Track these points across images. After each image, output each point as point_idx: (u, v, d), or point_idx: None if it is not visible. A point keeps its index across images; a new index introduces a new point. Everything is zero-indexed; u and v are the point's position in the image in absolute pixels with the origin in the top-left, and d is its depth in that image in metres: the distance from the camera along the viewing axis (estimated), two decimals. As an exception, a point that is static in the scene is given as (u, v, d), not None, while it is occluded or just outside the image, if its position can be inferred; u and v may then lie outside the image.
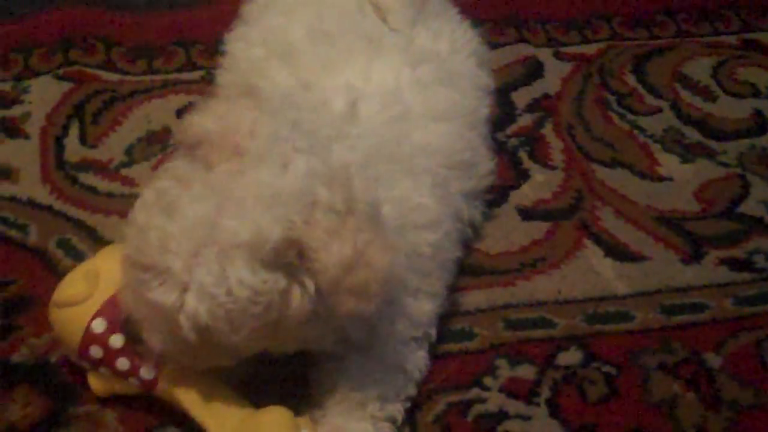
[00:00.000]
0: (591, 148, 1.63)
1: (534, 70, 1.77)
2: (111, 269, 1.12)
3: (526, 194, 1.54)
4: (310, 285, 1.03)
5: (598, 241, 1.47)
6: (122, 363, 1.13)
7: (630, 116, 1.70)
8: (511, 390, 1.27)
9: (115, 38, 1.74)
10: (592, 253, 1.46)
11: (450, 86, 1.33)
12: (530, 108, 1.69)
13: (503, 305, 1.37)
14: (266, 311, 1.02)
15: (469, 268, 1.40)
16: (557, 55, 1.81)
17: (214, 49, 1.65)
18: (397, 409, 1.19)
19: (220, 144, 1.05)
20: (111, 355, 1.13)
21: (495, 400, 1.26)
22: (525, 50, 1.81)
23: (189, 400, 1.11)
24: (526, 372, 1.29)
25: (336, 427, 1.15)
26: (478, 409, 1.25)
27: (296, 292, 1.03)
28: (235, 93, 1.10)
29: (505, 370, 1.29)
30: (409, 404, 1.21)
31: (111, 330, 1.12)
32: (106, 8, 1.80)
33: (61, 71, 1.66)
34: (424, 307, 1.22)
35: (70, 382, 1.22)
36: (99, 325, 1.12)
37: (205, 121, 1.06)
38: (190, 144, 1.07)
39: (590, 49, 1.84)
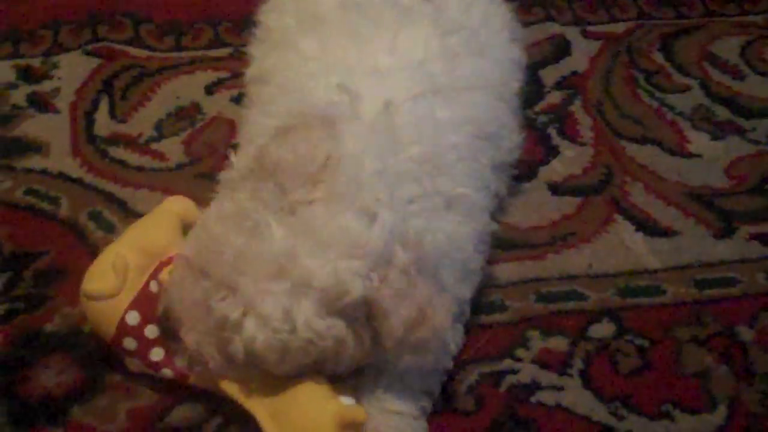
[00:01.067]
0: (620, 125, 1.62)
1: (562, 49, 1.77)
2: (138, 259, 1.13)
3: (555, 170, 1.54)
4: (367, 339, 1.05)
5: (628, 216, 1.47)
6: (156, 353, 1.13)
7: (658, 94, 1.70)
8: (544, 361, 1.27)
9: (143, 15, 1.75)
10: (623, 228, 1.45)
11: (479, 56, 1.33)
12: (559, 85, 1.69)
13: (534, 278, 1.37)
14: (321, 354, 1.04)
15: (500, 242, 1.40)
16: (584, 34, 1.81)
17: (241, 26, 1.66)
18: (436, 382, 1.19)
19: (295, 173, 1.05)
20: (145, 345, 1.13)
21: (527, 371, 1.26)
22: (552, 28, 1.81)
23: (226, 385, 1.11)
24: (559, 344, 1.29)
25: (382, 406, 1.15)
26: (510, 379, 1.25)
27: (351, 342, 1.05)
28: (311, 121, 1.09)
29: (537, 342, 1.29)
30: (445, 377, 1.21)
31: (145, 322, 1.12)
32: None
33: (89, 47, 1.67)
34: (463, 284, 1.21)
35: (104, 351, 1.21)
36: (133, 318, 1.13)
37: (281, 150, 1.06)
38: (266, 170, 1.07)
39: (618, 28, 1.84)
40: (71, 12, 1.73)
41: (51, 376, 1.20)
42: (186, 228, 1.17)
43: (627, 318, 1.33)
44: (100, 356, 1.22)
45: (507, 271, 1.37)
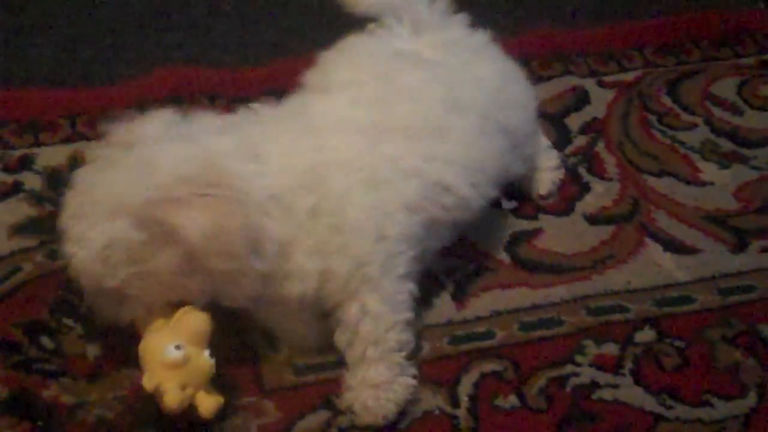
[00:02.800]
0: (640, 162, 1.87)
1: (582, 98, 2.02)
2: None
3: (589, 203, 1.78)
4: (177, 249, 1.28)
5: (656, 238, 1.71)
6: None
7: (670, 132, 1.95)
8: (600, 364, 1.50)
9: (218, 91, 1.98)
10: (653, 249, 1.69)
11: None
12: (583, 130, 1.94)
13: (583, 296, 1.60)
14: (134, 261, 1.28)
15: (551, 267, 1.64)
16: (600, 84, 2.06)
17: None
18: (405, 334, 1.42)
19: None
20: None
21: (587, 374, 1.49)
22: (571, 81, 2.06)
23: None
24: (610, 349, 1.53)
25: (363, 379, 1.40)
26: (573, 381, 1.48)
27: (165, 250, 1.28)
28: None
29: (592, 349, 1.52)
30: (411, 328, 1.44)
31: None
32: (205, 66, 2.05)
33: (175, 123, 1.89)
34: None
35: (232, 378, 1.44)
36: None
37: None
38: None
39: (628, 77, 2.09)
40: (153, 94, 1.96)
41: (190, 403, 1.43)
42: None
43: (665, 324, 1.57)
44: (230, 383, 1.44)
45: (560, 291, 1.61)
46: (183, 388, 1.30)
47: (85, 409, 1.40)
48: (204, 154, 1.31)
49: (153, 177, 1.28)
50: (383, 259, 1.39)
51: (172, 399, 1.28)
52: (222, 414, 1.38)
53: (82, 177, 1.36)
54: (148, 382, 1.29)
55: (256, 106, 1.47)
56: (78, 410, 1.40)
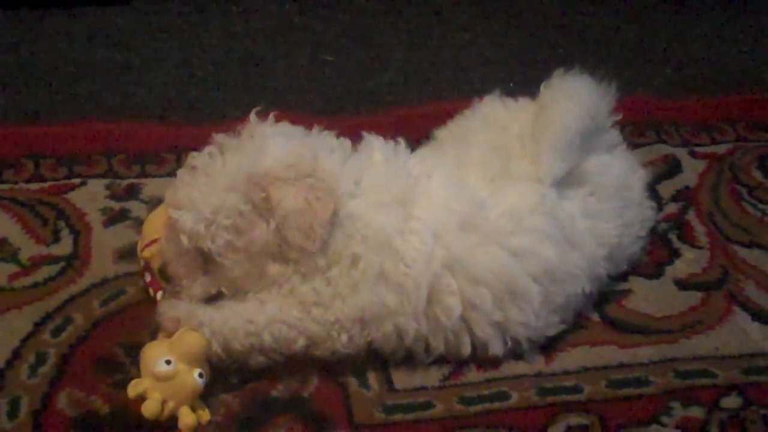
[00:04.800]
0: (730, 232, 1.90)
1: (674, 167, 2.05)
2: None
3: (679, 269, 1.80)
4: (272, 222, 1.42)
5: (745, 308, 1.73)
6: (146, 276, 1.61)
7: (761, 206, 1.97)
8: (685, 426, 1.52)
9: None
10: (741, 317, 1.71)
11: None
12: (674, 198, 1.97)
13: (671, 358, 1.62)
14: (235, 228, 1.43)
15: (638, 328, 1.67)
16: (692, 154, 2.09)
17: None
18: None
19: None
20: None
21: (672, 435, 1.51)
22: (664, 150, 2.09)
23: None
24: (696, 413, 1.54)
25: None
26: (658, 441, 1.50)
27: (261, 223, 1.42)
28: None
29: (678, 411, 1.54)
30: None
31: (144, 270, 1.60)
32: (306, 112, 2.11)
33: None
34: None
35: (324, 412, 1.48)
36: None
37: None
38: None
39: (719, 149, 2.12)
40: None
41: (282, 433, 1.47)
42: None
43: (751, 392, 1.58)
44: (320, 417, 1.48)
45: (648, 352, 1.63)
46: (165, 400, 1.39)
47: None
48: (312, 152, 1.47)
49: (263, 160, 1.44)
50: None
51: (148, 408, 1.38)
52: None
53: (197, 158, 1.49)
54: (132, 389, 1.39)
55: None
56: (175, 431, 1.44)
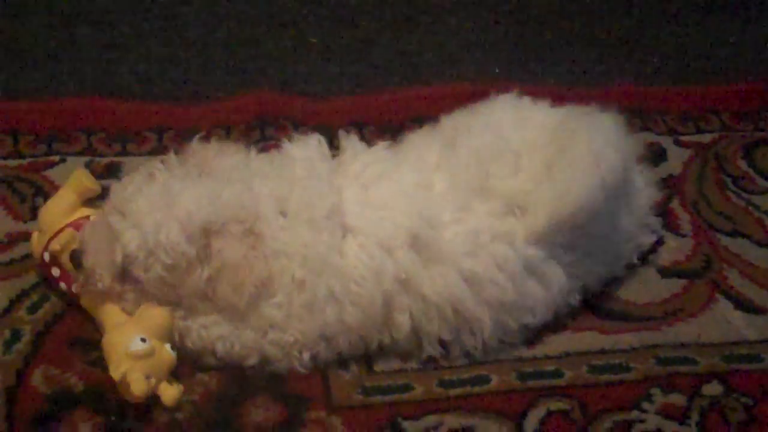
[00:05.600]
0: (714, 221, 1.89)
1: (659, 155, 2.04)
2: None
3: (663, 256, 1.79)
4: (206, 270, 1.40)
5: (727, 296, 1.72)
6: (54, 271, 1.53)
7: (745, 195, 1.97)
8: (666, 413, 1.51)
9: (300, 119, 2.02)
10: (724, 305, 1.71)
11: None
12: (659, 185, 1.95)
13: (653, 345, 1.61)
14: (173, 267, 1.40)
15: (621, 315, 1.66)
16: (677, 143, 2.09)
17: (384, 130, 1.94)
18: None
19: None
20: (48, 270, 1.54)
21: (652, 421, 1.50)
22: (649, 137, 2.08)
23: (95, 310, 1.48)
24: (677, 399, 1.53)
25: None
26: (638, 427, 1.49)
27: (197, 270, 1.40)
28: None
29: (659, 398, 1.53)
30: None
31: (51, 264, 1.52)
32: (291, 94, 2.10)
33: (259, 146, 1.93)
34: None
35: (302, 392, 1.47)
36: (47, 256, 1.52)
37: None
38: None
39: (705, 138, 2.11)
40: (240, 115, 2.01)
41: (259, 413, 1.45)
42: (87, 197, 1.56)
43: (732, 380, 1.57)
44: (298, 397, 1.46)
45: (630, 339, 1.62)
46: (147, 377, 1.37)
47: (158, 409, 1.42)
48: (255, 203, 1.44)
49: (221, 209, 1.42)
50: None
51: (139, 387, 1.36)
52: (287, 426, 1.42)
53: (157, 169, 1.47)
54: (115, 372, 1.37)
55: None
56: (150, 410, 1.42)
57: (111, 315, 1.46)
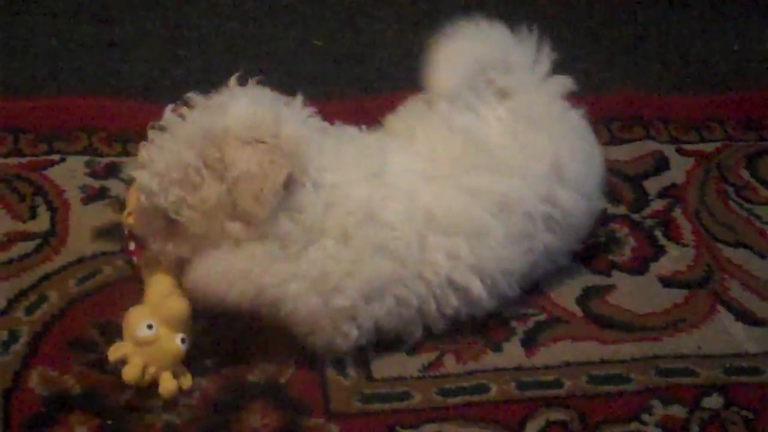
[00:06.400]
0: (716, 231, 1.88)
1: (662, 163, 2.03)
2: None
3: (664, 266, 1.79)
4: (225, 183, 1.38)
5: (729, 307, 1.71)
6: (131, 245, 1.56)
7: (747, 205, 1.96)
8: (666, 425, 1.50)
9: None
10: (725, 317, 1.70)
11: None
12: (661, 194, 1.95)
13: (653, 356, 1.61)
14: (187, 184, 1.39)
15: (621, 325, 1.65)
16: (680, 151, 2.08)
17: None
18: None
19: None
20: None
21: (653, 433, 1.49)
22: (652, 146, 2.08)
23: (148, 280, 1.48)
24: (677, 411, 1.52)
25: None
26: (638, 439, 1.48)
27: (213, 181, 1.39)
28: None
29: (659, 409, 1.52)
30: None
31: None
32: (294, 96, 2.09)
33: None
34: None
35: (300, 399, 1.46)
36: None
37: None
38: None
39: (708, 147, 2.11)
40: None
41: (257, 419, 1.44)
42: None
43: (733, 392, 1.56)
44: (296, 404, 1.46)
45: (630, 349, 1.61)
46: (146, 365, 1.37)
47: (155, 413, 1.42)
48: (275, 115, 1.43)
49: (224, 118, 1.41)
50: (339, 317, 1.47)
51: (130, 373, 1.36)
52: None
53: (168, 117, 1.46)
54: (112, 353, 1.38)
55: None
56: (147, 414, 1.41)
57: (153, 286, 1.47)
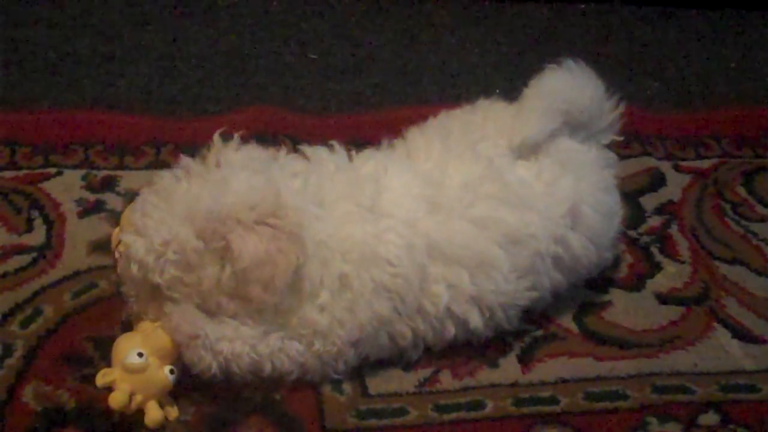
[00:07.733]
0: (713, 248, 1.88)
1: (658, 180, 2.03)
2: None
3: (660, 282, 1.78)
4: (228, 268, 1.36)
5: (725, 325, 1.71)
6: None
7: (744, 222, 1.96)
8: (662, 443, 1.50)
9: (299, 135, 2.01)
10: (722, 334, 1.69)
11: None
12: (657, 211, 1.95)
13: (649, 373, 1.60)
14: (184, 265, 1.36)
15: (617, 342, 1.64)
16: (676, 168, 2.08)
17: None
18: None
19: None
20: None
21: (648, 450, 1.49)
22: (648, 162, 2.08)
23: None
24: (673, 428, 1.52)
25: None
26: (634, 456, 1.48)
27: (213, 264, 1.36)
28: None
29: (655, 426, 1.52)
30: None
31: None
32: (291, 110, 2.10)
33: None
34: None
35: (295, 415, 1.45)
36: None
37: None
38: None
39: (704, 164, 2.11)
40: (236, 130, 2.00)
41: (253, 434, 1.44)
42: None
43: (729, 410, 1.56)
44: (291, 420, 1.45)
45: (626, 366, 1.61)
46: (133, 393, 1.36)
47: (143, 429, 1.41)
48: (275, 189, 1.40)
49: (225, 197, 1.37)
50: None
51: (116, 399, 1.35)
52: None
53: (162, 181, 1.43)
54: (100, 379, 1.36)
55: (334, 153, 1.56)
56: (142, 429, 1.40)
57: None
